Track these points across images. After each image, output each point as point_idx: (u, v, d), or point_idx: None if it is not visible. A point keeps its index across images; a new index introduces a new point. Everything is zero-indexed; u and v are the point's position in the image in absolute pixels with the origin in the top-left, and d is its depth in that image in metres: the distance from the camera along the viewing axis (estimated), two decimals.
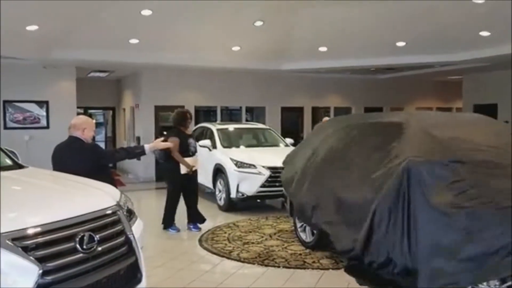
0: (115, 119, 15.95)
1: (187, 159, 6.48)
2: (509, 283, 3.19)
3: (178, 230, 6.64)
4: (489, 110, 12.13)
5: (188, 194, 6.68)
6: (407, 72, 13.99)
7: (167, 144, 4.94)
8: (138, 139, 12.91)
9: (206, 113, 14.49)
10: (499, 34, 9.24)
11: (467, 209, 3.35)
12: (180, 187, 6.57)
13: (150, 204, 9.53)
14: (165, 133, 12.92)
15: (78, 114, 11.75)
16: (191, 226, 6.69)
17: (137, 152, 4.79)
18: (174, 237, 6.58)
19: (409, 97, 16.12)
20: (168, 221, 6.66)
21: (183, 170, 6.45)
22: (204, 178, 8.53)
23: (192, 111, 12.95)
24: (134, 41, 9.96)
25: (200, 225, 6.73)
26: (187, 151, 6.51)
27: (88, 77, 13.49)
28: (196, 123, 11.68)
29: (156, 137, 12.50)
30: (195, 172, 6.66)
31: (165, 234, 6.58)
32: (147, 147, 4.66)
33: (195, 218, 6.72)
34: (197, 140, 7.71)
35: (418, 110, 15.39)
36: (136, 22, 9.06)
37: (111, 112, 16.14)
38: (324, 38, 10.65)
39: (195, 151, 6.67)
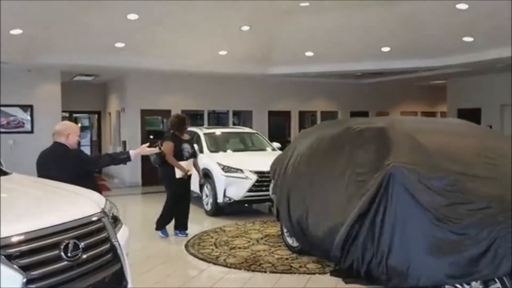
0: (101, 123, 15.83)
1: (182, 163, 6.46)
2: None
3: (167, 235, 6.60)
4: (473, 114, 12.34)
5: (181, 199, 6.64)
6: (392, 77, 14.15)
7: (153, 150, 4.88)
8: (124, 143, 12.82)
9: (193, 117, 14.41)
10: (481, 39, 9.41)
11: (454, 216, 3.45)
12: (178, 192, 6.55)
13: (136, 209, 9.47)
14: (151, 137, 12.94)
15: (63, 118, 11.66)
16: (178, 232, 6.65)
17: (122, 158, 4.62)
18: (160, 243, 6.54)
19: (394, 102, 16.29)
20: (162, 224, 6.62)
21: (178, 174, 6.43)
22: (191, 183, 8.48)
23: None
24: (120, 45, 9.91)
25: (186, 231, 6.69)
26: (181, 156, 6.48)
27: (74, 81, 13.37)
28: None
29: (142, 141, 12.52)
30: (189, 177, 6.64)
31: (151, 240, 6.54)
32: (132, 153, 4.54)
33: (181, 225, 6.67)
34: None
35: (402, 115, 15.55)
36: (122, 26, 9.03)
37: (96, 116, 16.02)
38: (311, 43, 10.73)
39: (190, 156, 6.62)
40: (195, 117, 14.45)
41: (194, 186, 8.64)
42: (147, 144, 4.83)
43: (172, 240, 6.69)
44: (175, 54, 10.81)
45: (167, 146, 6.42)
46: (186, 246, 6.11)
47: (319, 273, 4.97)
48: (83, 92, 14.47)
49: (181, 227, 6.66)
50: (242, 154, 8.95)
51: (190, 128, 10.30)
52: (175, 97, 12.89)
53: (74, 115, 14.80)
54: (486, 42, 9.57)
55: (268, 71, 12.65)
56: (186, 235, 6.59)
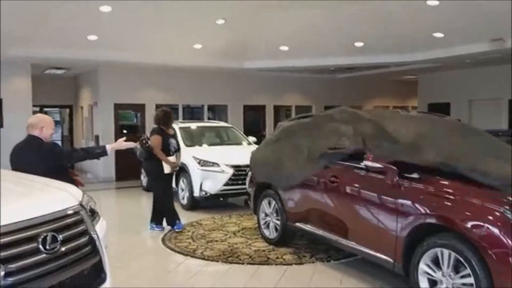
0: (73, 117, 15.52)
1: (171, 159, 6.45)
2: (462, 273, 3.39)
3: (181, 229, 6.51)
4: (443, 108, 12.69)
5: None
6: (365, 71, 14.39)
7: (130, 144, 4.80)
8: (97, 138, 12.63)
9: None
10: (451, 35, 9.67)
11: None
12: (166, 186, 6.52)
13: (111, 204, 9.36)
14: (125, 131, 12.78)
15: (34, 112, 11.35)
16: (154, 226, 6.62)
17: (97, 153, 4.50)
18: (137, 237, 6.51)
19: (367, 96, 16.58)
20: (172, 219, 6.54)
21: (167, 169, 6.39)
22: None
23: (153, 109, 12.84)
24: (92, 37, 9.73)
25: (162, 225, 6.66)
26: (168, 150, 6.45)
27: (44, 74, 13.06)
28: None
29: (116, 136, 12.36)
30: (175, 172, 6.65)
31: (127, 234, 6.50)
32: (108, 147, 4.45)
33: (159, 218, 6.64)
34: None
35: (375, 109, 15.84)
36: (94, 19, 8.86)
37: (68, 110, 15.69)
38: (285, 37, 10.79)
39: (176, 151, 6.61)
40: None
41: None
42: (124, 138, 4.75)
43: (148, 235, 6.66)
44: (149, 47, 10.69)
45: (155, 141, 6.35)
46: (163, 240, 6.10)
47: (296, 264, 5.06)
48: (54, 85, 14.15)
49: (157, 221, 6.63)
50: (218, 148, 8.96)
51: None
52: (150, 91, 12.75)
53: (45, 109, 14.44)
54: (456, 38, 9.84)
55: (243, 65, 12.66)
56: (163, 229, 6.57)
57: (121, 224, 7.07)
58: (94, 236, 2.99)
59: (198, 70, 12.89)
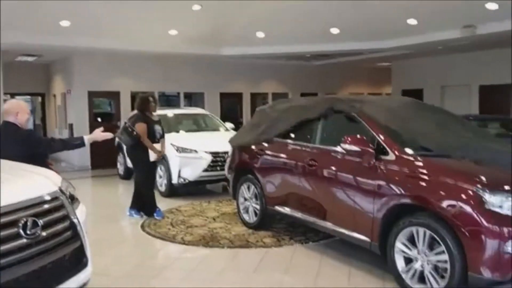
0: (45, 105, 15.16)
1: (155, 145, 6.36)
2: (437, 250, 3.52)
3: (163, 217, 6.47)
4: (416, 95, 12.93)
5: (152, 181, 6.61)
6: (340, 58, 14.51)
7: (107, 135, 4.65)
8: (71, 126, 12.40)
9: None
10: (425, 22, 9.83)
11: None
12: (150, 174, 6.47)
13: (87, 193, 9.24)
14: (99, 120, 12.58)
15: (5, 101, 11.03)
16: (133, 212, 6.58)
17: (75, 144, 4.41)
18: (115, 224, 6.47)
19: (342, 83, 16.76)
20: (152, 207, 6.49)
21: (152, 157, 6.32)
22: None
23: (128, 97, 12.72)
24: (65, 23, 9.49)
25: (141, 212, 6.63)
26: (153, 137, 6.36)
27: (16, 61, 12.67)
28: (133, 109, 11.39)
29: (90, 124, 12.16)
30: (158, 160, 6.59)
31: (106, 222, 6.44)
32: (86, 138, 4.37)
33: (141, 205, 6.58)
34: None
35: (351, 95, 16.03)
36: (67, 4, 8.64)
37: (40, 98, 15.31)
38: (262, 24, 10.77)
39: (160, 137, 6.53)
40: None
41: None
42: (101, 128, 4.61)
43: (127, 222, 6.63)
44: (124, 33, 10.50)
45: (141, 128, 6.25)
46: (142, 226, 6.08)
47: (275, 247, 5.13)
48: (26, 73, 13.74)
49: (138, 208, 6.59)
50: (195, 135, 8.92)
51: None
52: (124, 79, 12.57)
53: (16, 97, 14.00)
54: (429, 25, 10.01)
55: (220, 52, 12.59)
56: (142, 216, 6.53)
57: (99, 213, 7.00)
58: (75, 221, 2.98)
59: (173, 57, 12.75)
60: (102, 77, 12.20)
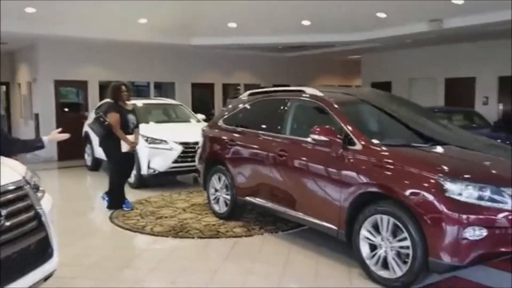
0: (9, 95, 14.69)
1: (128, 137, 6.20)
2: (400, 237, 3.64)
3: (132, 208, 6.37)
4: (384, 87, 13.20)
5: (125, 172, 6.44)
6: (312, 50, 14.63)
7: (65, 136, 4.45)
8: (37, 116, 12.08)
9: None
10: (394, 16, 10.01)
11: None
12: (123, 165, 6.31)
13: (54, 184, 9.05)
14: (66, 109, 12.29)
15: None
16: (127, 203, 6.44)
17: (36, 146, 4.25)
18: (84, 216, 6.37)
19: (314, 75, 16.89)
20: (119, 201, 6.38)
21: (125, 148, 6.17)
22: None
23: (97, 86, 12.47)
24: (30, 10, 9.20)
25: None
26: (127, 127, 6.21)
27: None
28: (101, 99, 11.22)
29: (57, 114, 11.88)
30: (135, 149, 6.46)
31: (74, 214, 6.34)
32: (45, 139, 4.19)
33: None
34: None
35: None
36: None
37: (4, 87, 14.82)
38: (233, 14, 10.72)
39: (134, 127, 6.37)
40: None
41: None
42: (59, 129, 4.45)
43: (96, 213, 6.56)
44: (91, 21, 10.26)
45: (113, 118, 6.10)
46: (110, 218, 6.01)
47: (245, 236, 5.18)
48: None
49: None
50: (166, 126, 8.83)
51: (109, 100, 9.94)
52: (92, 68, 12.30)
53: None
54: (397, 19, 10.21)
55: (190, 42, 12.48)
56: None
57: (67, 204, 6.88)
58: (40, 211, 2.95)
59: (143, 46, 12.55)
60: (69, 65, 11.91)
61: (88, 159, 10.16)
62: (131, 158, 6.46)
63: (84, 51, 12.03)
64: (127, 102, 6.43)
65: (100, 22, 10.34)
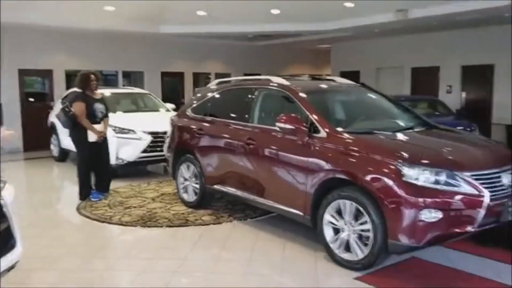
0: None
1: (96, 126, 6.09)
2: (361, 221, 3.77)
3: (100, 199, 6.29)
4: (353, 76, 13.40)
5: (97, 162, 6.30)
6: (282, 39, 14.67)
7: (12, 134, 4.30)
8: (0, 106, 11.70)
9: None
10: (361, 5, 10.14)
11: None
12: (90, 155, 6.19)
13: (20, 176, 8.86)
14: (31, 99, 11.97)
15: None
16: (94, 192, 6.37)
17: None
18: (50, 208, 6.29)
19: (284, 64, 16.98)
20: (85, 192, 6.29)
21: (92, 137, 6.07)
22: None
23: (63, 75, 12.21)
24: None
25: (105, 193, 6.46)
26: (93, 116, 6.10)
27: None
28: (68, 88, 10.98)
29: (22, 104, 11.57)
30: (106, 139, 6.33)
31: (40, 206, 6.25)
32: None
33: (100, 186, 6.41)
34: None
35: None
36: None
37: None
38: (202, 2, 10.62)
39: (103, 117, 6.25)
40: None
41: None
42: (5, 127, 4.32)
43: (62, 205, 6.49)
44: (57, 8, 9.99)
45: (78, 107, 6.00)
46: (77, 209, 5.96)
47: (214, 224, 5.24)
48: None
49: (99, 188, 6.41)
50: (134, 115, 8.74)
51: (76, 89, 9.71)
52: (58, 56, 12.01)
53: None
54: (365, 8, 10.35)
55: (159, 30, 12.33)
56: (100, 199, 6.31)
57: (33, 196, 6.77)
58: (1, 201, 2.91)
59: (111, 34, 12.33)
60: (34, 54, 11.59)
61: (54, 149, 9.98)
62: (100, 148, 6.31)
63: (49, 40, 11.72)
64: (96, 92, 6.33)
65: (66, 9, 10.08)
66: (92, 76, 6.23)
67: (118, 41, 12.76)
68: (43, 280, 3.80)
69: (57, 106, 9.86)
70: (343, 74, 14.54)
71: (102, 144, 6.31)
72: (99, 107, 6.24)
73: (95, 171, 6.39)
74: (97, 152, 6.27)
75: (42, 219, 5.62)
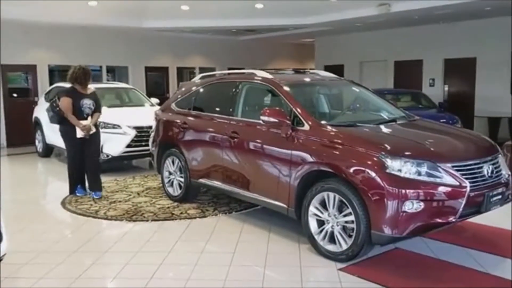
0: None
1: (84, 122, 5.98)
2: (345, 212, 3.83)
3: (85, 194, 6.23)
4: (337, 70, 13.49)
5: (86, 159, 6.16)
6: (266, 34, 14.68)
7: None
8: None
9: (62, 73, 13.41)
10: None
11: None
12: (78, 151, 6.10)
13: (3, 172, 8.71)
14: (15, 95, 11.81)
15: None
16: (92, 193, 6.26)
17: None
18: (34, 203, 6.24)
19: (268, 58, 17.01)
20: (72, 186, 6.24)
21: (79, 133, 5.97)
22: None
23: (46, 71, 12.06)
24: None
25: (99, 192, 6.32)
26: (80, 112, 5.98)
27: None
28: (51, 84, 10.86)
29: (5, 100, 11.40)
30: (96, 134, 6.20)
31: (25, 201, 6.19)
32: None
33: (92, 185, 6.27)
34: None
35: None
36: None
37: None
38: None
39: (91, 113, 6.11)
40: (65, 74, 13.39)
41: None
42: None
43: (47, 200, 6.44)
44: (39, 3, 9.84)
45: (64, 103, 5.91)
46: (62, 203, 5.93)
47: (199, 217, 5.27)
48: None
49: (93, 188, 6.27)
50: (118, 110, 8.68)
51: (60, 84, 9.62)
52: (41, 52, 11.86)
53: None
54: (347, 3, 10.41)
55: (142, 25, 12.24)
56: (101, 197, 6.20)
57: (18, 191, 6.70)
58: None
59: (94, 29, 12.19)
60: (16, 49, 11.41)
61: (38, 145, 9.87)
62: (88, 143, 6.12)
63: (33, 35, 11.57)
64: (87, 87, 6.18)
65: (48, 4, 9.94)
66: (81, 70, 6.03)
67: (102, 36, 12.64)
68: (29, 274, 3.78)
69: (41, 102, 9.76)
70: (327, 68, 14.61)
71: (92, 140, 6.16)
72: (87, 102, 6.10)
73: (86, 167, 6.26)
74: (86, 147, 6.13)
75: (27, 214, 5.58)
